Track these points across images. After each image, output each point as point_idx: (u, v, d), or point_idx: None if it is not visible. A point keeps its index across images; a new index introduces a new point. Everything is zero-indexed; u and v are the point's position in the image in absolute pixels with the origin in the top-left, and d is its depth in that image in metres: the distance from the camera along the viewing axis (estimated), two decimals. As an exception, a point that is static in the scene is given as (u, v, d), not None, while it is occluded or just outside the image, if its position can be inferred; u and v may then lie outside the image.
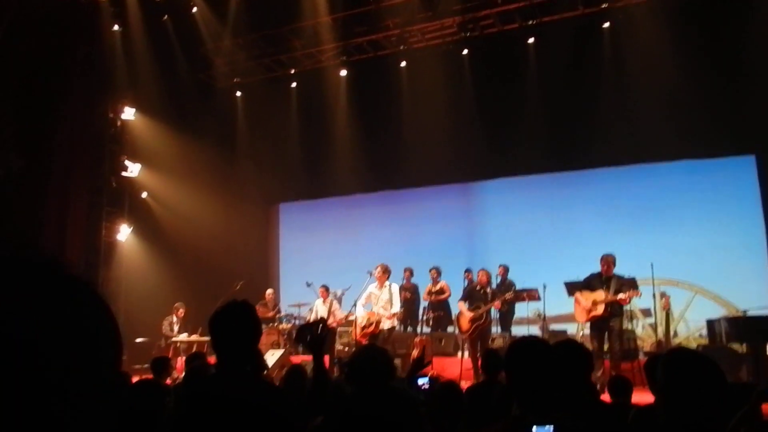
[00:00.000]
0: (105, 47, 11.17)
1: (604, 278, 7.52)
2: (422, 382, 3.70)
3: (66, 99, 10.76)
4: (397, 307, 8.45)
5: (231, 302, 2.37)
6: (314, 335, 2.46)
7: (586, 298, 7.48)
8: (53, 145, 10.58)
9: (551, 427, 1.72)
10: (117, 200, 11.88)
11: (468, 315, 8.17)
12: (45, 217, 10.40)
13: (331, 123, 12.51)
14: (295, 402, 2.37)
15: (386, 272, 8.52)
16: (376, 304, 8.46)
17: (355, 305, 9.00)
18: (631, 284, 7.50)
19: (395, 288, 8.64)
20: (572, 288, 7.81)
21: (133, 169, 11.82)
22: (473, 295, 8.35)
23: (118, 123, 11.87)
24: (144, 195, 12.23)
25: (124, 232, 11.77)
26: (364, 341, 8.36)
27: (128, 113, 11.84)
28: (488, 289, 8.38)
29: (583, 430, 1.86)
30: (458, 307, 8.41)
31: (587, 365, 3.02)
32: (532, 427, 1.74)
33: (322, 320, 2.56)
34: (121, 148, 11.87)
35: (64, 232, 10.64)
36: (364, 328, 8.41)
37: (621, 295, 7.26)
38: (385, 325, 8.37)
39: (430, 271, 10.24)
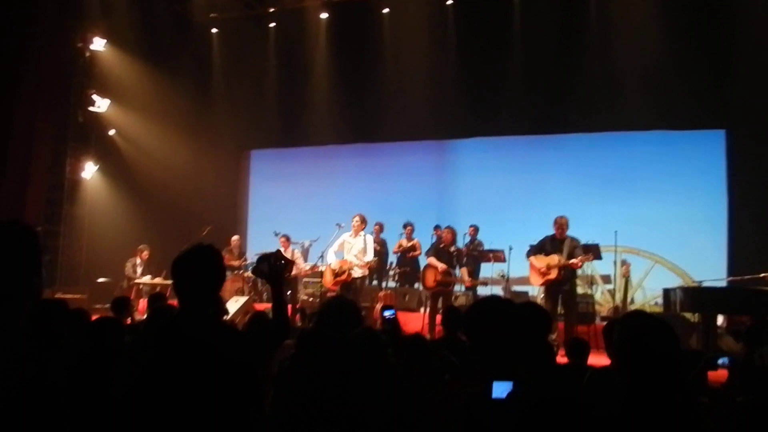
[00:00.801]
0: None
1: (557, 241, 7.58)
2: (388, 313, 3.94)
3: (32, 25, 10.25)
4: (370, 255, 8.47)
5: (197, 245, 2.34)
6: (272, 265, 2.45)
7: (540, 261, 7.57)
8: (18, 73, 10.13)
9: (510, 383, 1.76)
10: (83, 136, 11.55)
11: (440, 267, 8.18)
12: (8, 150, 10.05)
13: (309, 68, 12.25)
14: (257, 346, 2.37)
15: (363, 222, 8.55)
16: (348, 252, 8.46)
17: (322, 256, 9.02)
18: (587, 249, 7.60)
19: (370, 238, 8.67)
20: (527, 252, 7.88)
21: (101, 105, 11.45)
22: (440, 253, 8.39)
23: (87, 54, 11.42)
24: (112, 132, 11.89)
25: (90, 170, 11.49)
26: (335, 289, 8.42)
27: (98, 44, 11.37)
28: (452, 248, 8.43)
29: (542, 387, 1.91)
30: (428, 261, 8.43)
31: (546, 327, 3.08)
32: (491, 382, 1.78)
33: (279, 252, 2.54)
34: (89, 81, 11.46)
35: (27, 166, 10.32)
36: (336, 275, 8.44)
37: (573, 260, 7.36)
38: (356, 273, 8.41)
39: (404, 226, 10.29)
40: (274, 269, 2.47)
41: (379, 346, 2.68)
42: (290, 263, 2.65)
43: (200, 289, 2.22)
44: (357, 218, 8.51)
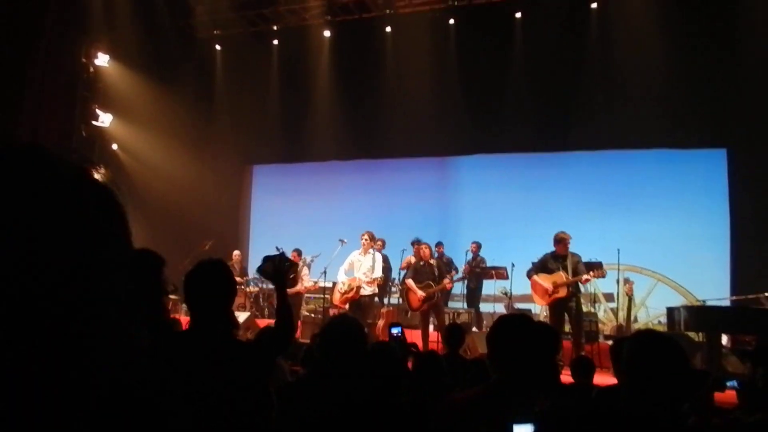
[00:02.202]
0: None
1: (560, 257, 7.47)
2: (395, 331, 3.90)
3: (38, 39, 10.31)
4: (378, 272, 8.41)
5: (208, 260, 2.33)
6: (277, 265, 2.44)
7: (545, 280, 7.46)
8: (22, 88, 10.18)
9: (531, 426, 1.75)
10: (86, 150, 11.55)
11: (419, 294, 8.13)
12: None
13: (312, 85, 12.30)
14: (266, 356, 2.36)
15: (372, 239, 8.48)
16: (358, 270, 8.40)
17: (325, 272, 8.98)
18: (590, 266, 7.54)
19: (378, 256, 8.61)
20: (529, 271, 7.80)
21: (104, 119, 11.49)
22: (419, 270, 8.31)
23: (91, 69, 11.47)
24: (114, 147, 11.92)
25: (93, 183, 11.47)
26: (344, 306, 8.35)
27: (102, 59, 11.44)
28: (432, 261, 8.33)
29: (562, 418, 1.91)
30: (407, 284, 8.36)
31: (556, 346, 3.08)
32: (512, 426, 1.78)
33: (283, 253, 2.54)
34: (93, 95, 11.50)
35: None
36: (344, 293, 8.37)
37: (585, 276, 7.29)
38: (365, 291, 8.35)
39: (412, 243, 10.23)
40: (279, 269, 2.46)
41: (394, 360, 2.67)
42: (294, 264, 2.66)
43: (213, 304, 2.22)
44: (366, 236, 8.44)
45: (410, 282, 8.24)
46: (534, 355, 1.95)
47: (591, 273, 7.28)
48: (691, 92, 9.69)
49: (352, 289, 8.29)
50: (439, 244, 9.90)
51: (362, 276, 8.32)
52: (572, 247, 7.60)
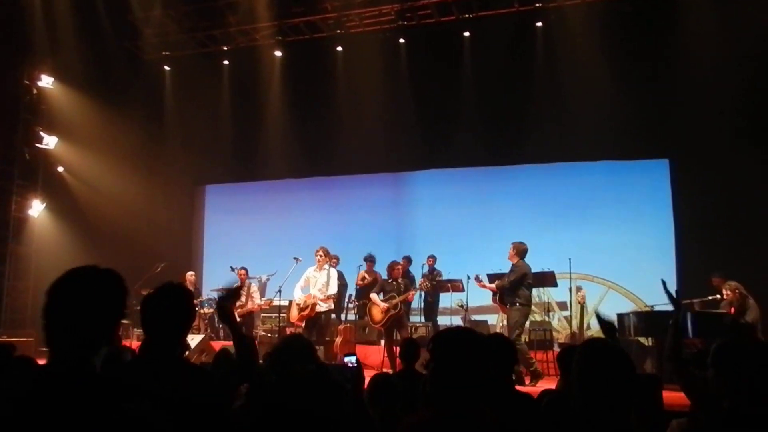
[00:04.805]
0: (23, 9, 10.44)
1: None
2: (348, 360, 3.80)
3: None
4: (333, 289, 8.37)
5: (167, 284, 2.29)
6: (218, 302, 2.46)
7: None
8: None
9: None
10: (30, 173, 11.22)
11: (381, 306, 8.16)
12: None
13: (263, 105, 12.24)
14: (224, 385, 2.32)
15: (327, 255, 8.45)
16: (314, 287, 8.35)
17: (279, 291, 8.90)
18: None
19: (333, 272, 8.58)
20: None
21: (48, 141, 11.18)
22: (386, 287, 8.36)
23: (34, 91, 11.18)
24: (60, 169, 11.59)
25: (37, 208, 11.14)
26: (300, 324, 8.28)
27: (46, 81, 11.16)
28: (400, 280, 8.38)
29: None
30: (371, 298, 8.39)
31: (513, 357, 3.15)
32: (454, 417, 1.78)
33: (220, 289, 2.58)
34: (36, 118, 11.20)
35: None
36: (301, 310, 8.31)
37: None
38: (321, 307, 8.29)
39: (365, 259, 10.24)
40: (219, 306, 2.46)
41: (331, 386, 2.62)
42: (235, 290, 2.65)
43: (170, 329, 2.18)
44: (320, 251, 8.42)
45: (374, 296, 8.27)
46: (477, 369, 1.91)
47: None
48: (634, 105, 10.02)
49: (308, 306, 8.24)
50: (405, 259, 9.96)
51: (317, 293, 8.28)
52: (527, 258, 7.73)
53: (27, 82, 11.07)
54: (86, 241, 11.14)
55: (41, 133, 11.11)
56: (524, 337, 7.92)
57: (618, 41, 9.92)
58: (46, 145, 11.16)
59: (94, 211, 11.43)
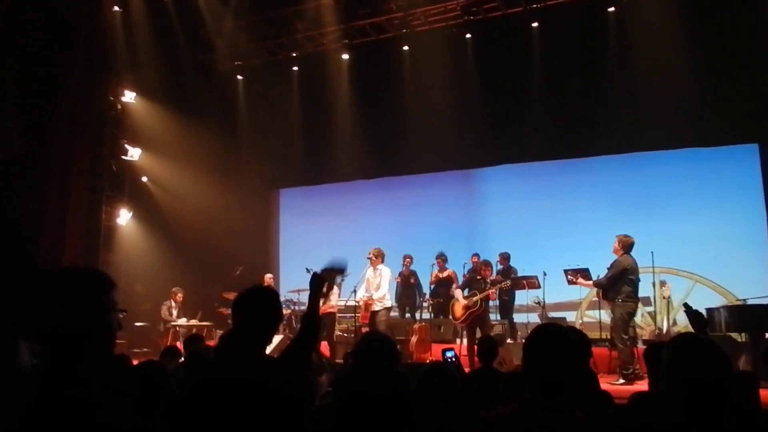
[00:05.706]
0: (105, 30, 11.06)
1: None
2: (449, 355, 3.77)
3: (67, 82, 10.66)
4: (383, 290, 8.42)
5: (256, 286, 2.48)
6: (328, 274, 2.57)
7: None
8: (54, 127, 10.51)
9: None
10: (117, 184, 11.84)
11: (462, 302, 8.13)
12: (46, 200, 10.36)
13: (333, 107, 12.42)
14: (296, 366, 2.41)
15: (378, 256, 8.52)
16: (369, 288, 8.49)
17: (354, 291, 9.03)
18: (578, 272, 7.80)
19: (386, 271, 8.64)
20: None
21: (133, 153, 11.77)
22: (472, 283, 8.31)
23: (119, 106, 11.80)
24: (144, 179, 12.19)
25: (124, 217, 11.74)
26: (365, 322, 8.45)
27: (128, 96, 11.77)
28: (489, 279, 8.33)
29: None
30: (454, 293, 8.39)
31: (588, 353, 3.03)
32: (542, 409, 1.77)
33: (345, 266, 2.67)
34: (121, 131, 11.81)
35: (64, 216, 10.60)
36: (363, 310, 8.49)
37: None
38: (375, 307, 8.38)
39: (437, 258, 10.24)
40: (319, 274, 2.62)
41: (451, 380, 2.69)
42: (342, 270, 2.74)
43: (259, 328, 2.31)
44: (372, 252, 8.52)
45: (458, 292, 8.25)
46: (569, 367, 1.89)
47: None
48: (716, 89, 9.50)
49: (367, 306, 8.42)
50: (502, 255, 9.96)
51: (369, 293, 8.43)
52: (603, 252, 7.48)
53: (111, 98, 11.69)
54: (169, 247, 11.67)
55: (126, 146, 11.70)
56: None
57: (696, 19, 9.44)
58: (131, 157, 11.75)
59: (176, 218, 11.94)
